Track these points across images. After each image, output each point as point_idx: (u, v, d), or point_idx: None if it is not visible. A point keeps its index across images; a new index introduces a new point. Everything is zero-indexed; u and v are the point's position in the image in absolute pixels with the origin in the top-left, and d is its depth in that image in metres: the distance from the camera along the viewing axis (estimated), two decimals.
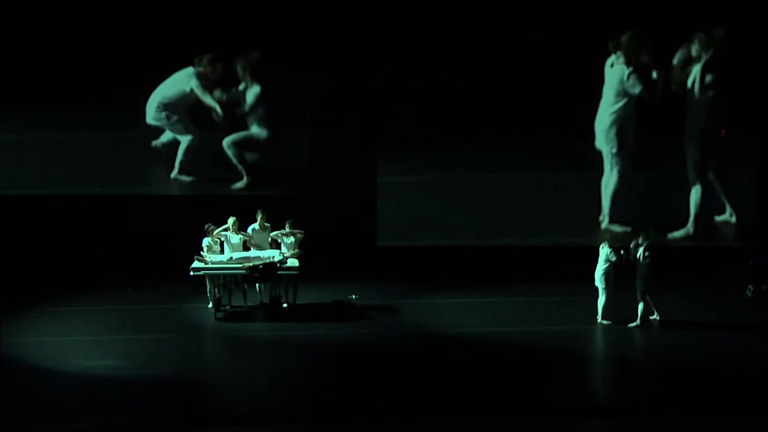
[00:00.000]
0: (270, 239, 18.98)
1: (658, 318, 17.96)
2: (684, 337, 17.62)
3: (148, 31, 20.94)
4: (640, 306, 17.81)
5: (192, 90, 21.33)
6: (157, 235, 21.25)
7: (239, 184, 21.67)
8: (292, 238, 18.92)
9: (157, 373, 15.75)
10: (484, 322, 18.42)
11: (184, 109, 21.43)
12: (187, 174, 21.58)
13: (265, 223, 19.00)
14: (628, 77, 19.87)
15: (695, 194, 20.66)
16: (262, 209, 18.98)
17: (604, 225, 20.25)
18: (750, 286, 19.83)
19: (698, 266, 20.80)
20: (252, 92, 21.55)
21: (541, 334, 17.79)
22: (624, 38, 19.77)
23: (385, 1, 21.36)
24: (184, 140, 21.55)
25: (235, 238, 18.83)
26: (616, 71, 20.03)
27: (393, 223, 21.21)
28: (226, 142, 21.56)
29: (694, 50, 19.73)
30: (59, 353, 16.55)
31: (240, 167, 21.60)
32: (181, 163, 21.55)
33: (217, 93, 21.39)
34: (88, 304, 19.48)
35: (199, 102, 21.38)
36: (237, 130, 21.52)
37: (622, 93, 20.01)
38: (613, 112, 20.07)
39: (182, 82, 21.39)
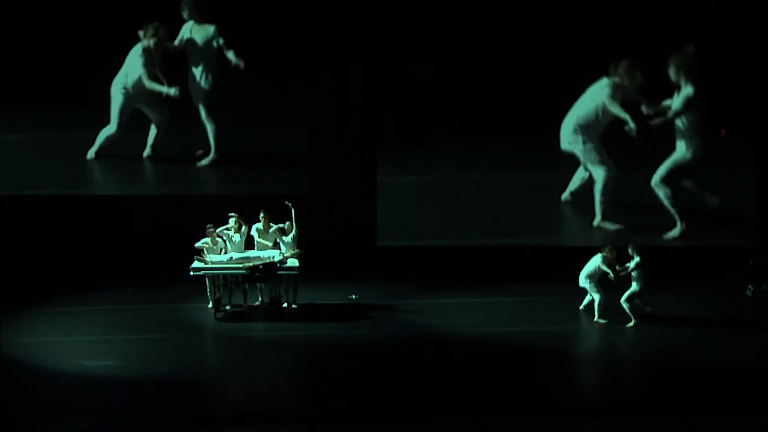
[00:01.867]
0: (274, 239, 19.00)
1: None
2: (683, 336, 17.64)
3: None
4: (626, 306, 17.90)
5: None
6: (157, 235, 21.24)
7: (205, 161, 19.96)
8: (290, 238, 18.89)
9: (157, 373, 15.77)
10: (484, 322, 18.44)
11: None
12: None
13: (270, 224, 18.99)
14: (611, 91, 19.47)
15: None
16: (264, 209, 19.01)
17: (595, 223, 20.09)
18: (750, 286, 19.84)
19: (697, 266, 20.79)
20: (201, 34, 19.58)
21: (540, 334, 17.81)
22: (623, 64, 19.40)
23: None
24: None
25: (237, 238, 18.85)
26: (601, 85, 19.62)
27: (393, 223, 21.18)
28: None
29: (672, 74, 19.26)
30: (59, 353, 16.56)
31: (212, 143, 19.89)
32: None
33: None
34: (88, 304, 19.48)
35: None
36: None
37: (599, 106, 19.66)
38: (580, 116, 19.75)
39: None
